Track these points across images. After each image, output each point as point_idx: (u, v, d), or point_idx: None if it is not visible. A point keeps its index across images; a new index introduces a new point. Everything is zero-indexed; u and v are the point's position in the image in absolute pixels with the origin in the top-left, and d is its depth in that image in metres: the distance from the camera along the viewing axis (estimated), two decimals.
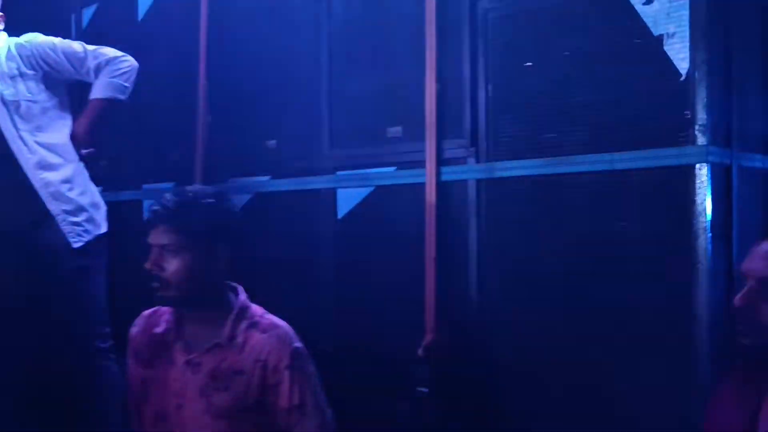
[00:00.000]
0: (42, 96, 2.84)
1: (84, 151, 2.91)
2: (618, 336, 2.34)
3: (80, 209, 2.82)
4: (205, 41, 3.64)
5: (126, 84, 2.90)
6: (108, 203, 3.03)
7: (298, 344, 1.99)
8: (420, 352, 2.70)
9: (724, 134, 2.28)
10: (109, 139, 3.91)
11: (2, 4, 2.98)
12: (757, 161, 2.45)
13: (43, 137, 2.81)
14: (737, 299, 1.28)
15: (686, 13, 2.24)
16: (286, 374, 1.93)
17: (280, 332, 1.97)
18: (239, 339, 1.95)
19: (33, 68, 2.83)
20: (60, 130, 2.87)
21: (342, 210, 3.13)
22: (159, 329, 2.03)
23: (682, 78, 2.24)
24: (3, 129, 2.75)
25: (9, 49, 2.84)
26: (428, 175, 2.80)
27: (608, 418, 2.36)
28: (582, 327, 2.43)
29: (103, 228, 2.89)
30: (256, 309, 2.03)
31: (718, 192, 2.22)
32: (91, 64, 2.87)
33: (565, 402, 2.47)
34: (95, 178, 2.98)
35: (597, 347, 2.39)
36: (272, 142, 3.41)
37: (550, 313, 2.51)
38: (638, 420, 2.30)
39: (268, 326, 1.98)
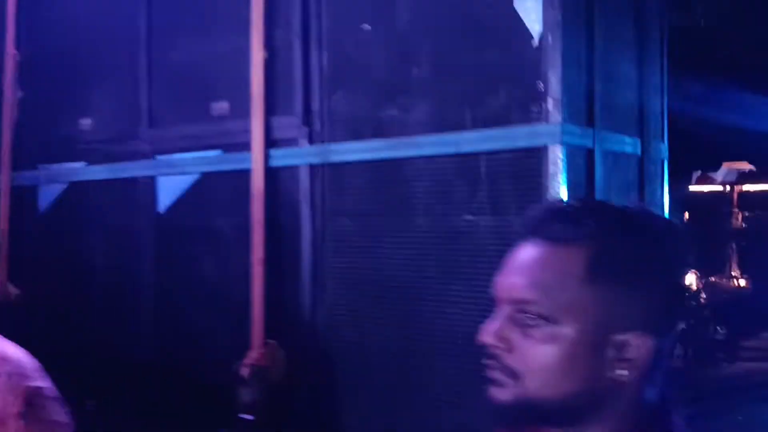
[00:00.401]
0: None
1: None
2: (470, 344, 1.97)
3: None
4: (13, 6, 3.10)
5: None
6: None
7: (36, 383, 1.50)
8: (243, 371, 2.27)
9: (585, 110, 1.93)
10: None
11: None
12: (627, 144, 2.10)
13: None
14: (485, 334, 0.81)
15: None
16: (16, 425, 1.45)
17: (8, 368, 1.49)
18: None
19: None
20: None
21: (163, 201, 2.66)
22: None
23: (534, 42, 1.86)
24: None
25: None
26: (255, 160, 2.37)
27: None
28: (433, 332, 2.07)
29: None
30: None
31: (576, 179, 1.87)
32: None
33: (415, 416, 2.11)
34: None
35: (449, 356, 2.03)
36: (87, 122, 2.91)
37: (396, 317, 2.15)
38: None
39: None
